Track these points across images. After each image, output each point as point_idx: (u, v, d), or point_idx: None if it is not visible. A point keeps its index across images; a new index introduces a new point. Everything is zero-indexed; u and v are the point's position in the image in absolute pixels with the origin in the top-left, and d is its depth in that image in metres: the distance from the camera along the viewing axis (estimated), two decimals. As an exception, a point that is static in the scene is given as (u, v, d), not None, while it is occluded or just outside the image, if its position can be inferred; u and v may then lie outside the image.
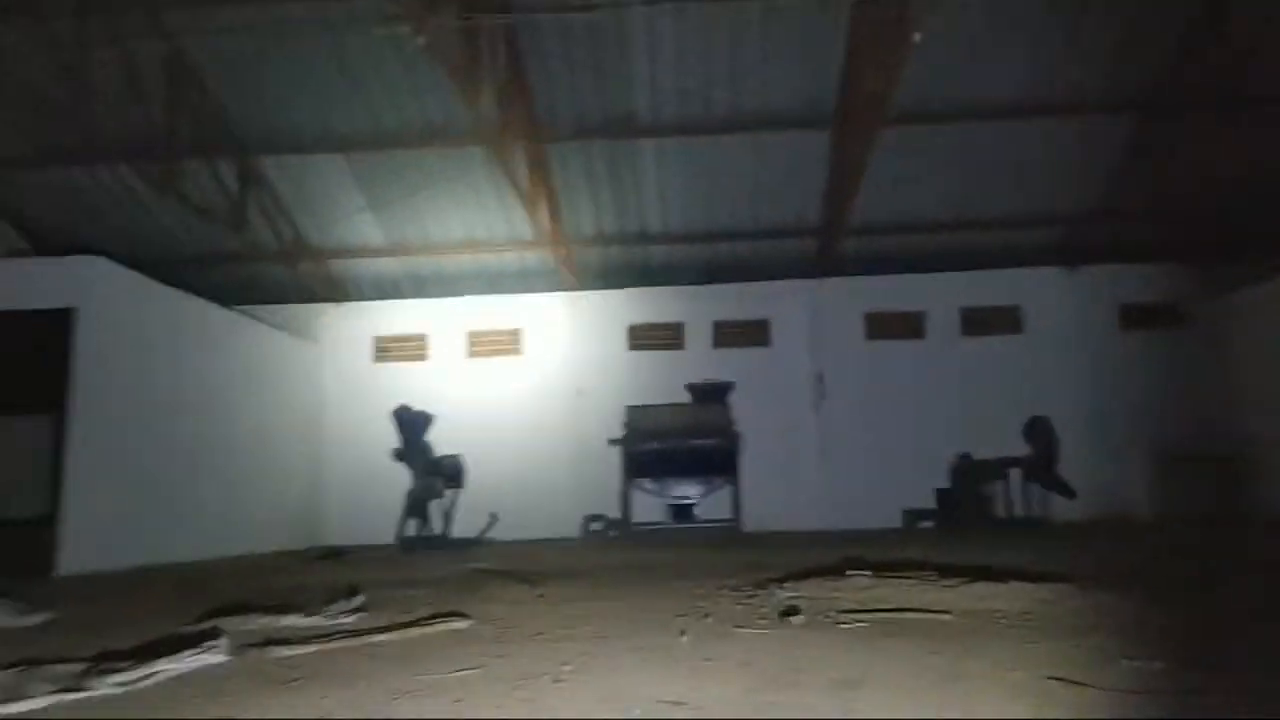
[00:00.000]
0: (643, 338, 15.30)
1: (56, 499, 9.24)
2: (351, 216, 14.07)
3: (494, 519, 12.91)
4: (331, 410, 15.22)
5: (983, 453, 12.99)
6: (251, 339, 13.23)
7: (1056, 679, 2.70)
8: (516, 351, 15.43)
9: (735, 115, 12.26)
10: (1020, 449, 12.42)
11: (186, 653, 3.23)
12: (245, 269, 14.95)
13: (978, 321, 14.89)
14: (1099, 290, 14.67)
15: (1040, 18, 10.90)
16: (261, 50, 11.24)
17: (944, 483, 13.55)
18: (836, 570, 5.09)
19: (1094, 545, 8.89)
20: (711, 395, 13.61)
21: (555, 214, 13.71)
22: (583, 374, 15.11)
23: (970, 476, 13.06)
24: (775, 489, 13.79)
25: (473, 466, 13.20)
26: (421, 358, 15.50)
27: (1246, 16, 10.64)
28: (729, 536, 11.82)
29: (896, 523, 13.53)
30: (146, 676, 2.99)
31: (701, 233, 14.56)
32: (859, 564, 5.19)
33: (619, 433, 13.07)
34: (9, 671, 3.03)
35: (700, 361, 14.85)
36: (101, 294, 9.99)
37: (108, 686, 2.86)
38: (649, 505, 12.98)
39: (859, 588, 4.53)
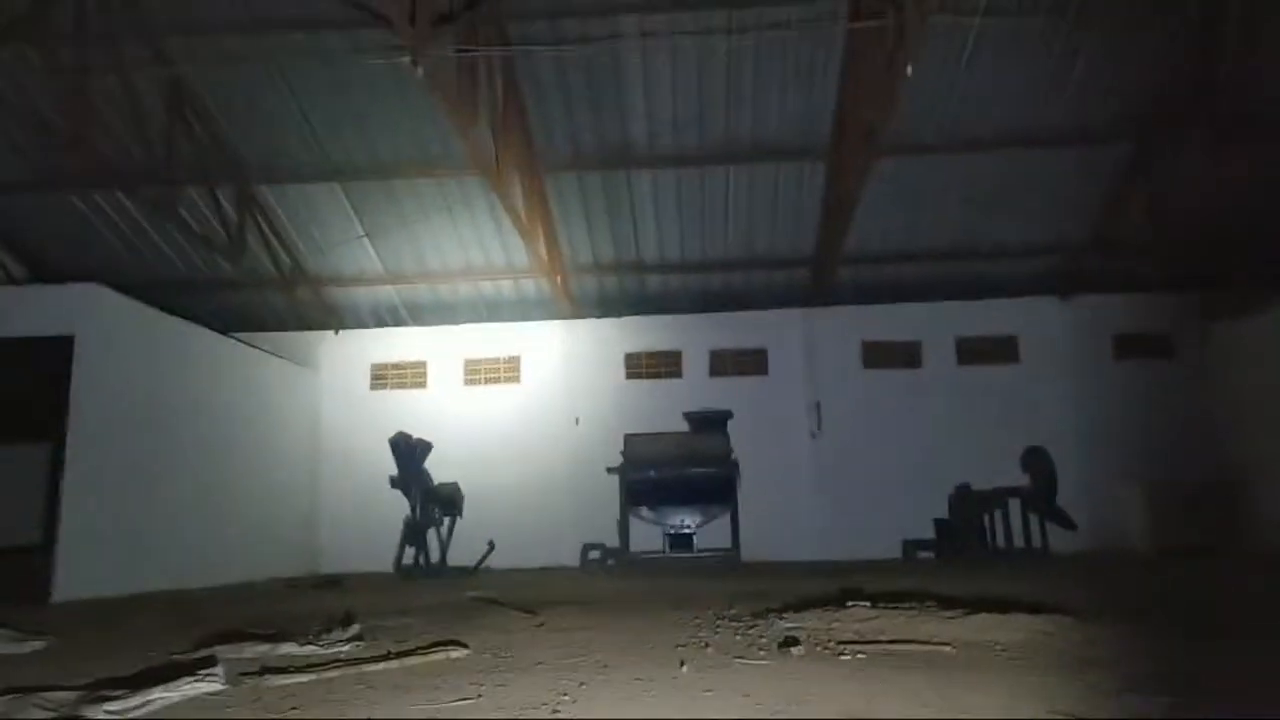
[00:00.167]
0: (640, 366, 15.32)
1: (52, 526, 9.19)
2: (349, 244, 14.13)
3: (491, 547, 12.84)
4: (329, 438, 15.18)
5: (981, 483, 12.97)
6: (249, 366, 13.23)
7: (1057, 714, 2.69)
8: (514, 379, 15.43)
9: (730, 146, 12.37)
10: (1018, 479, 12.40)
11: (182, 681, 3.22)
12: (243, 296, 14.98)
13: (974, 351, 14.92)
14: (1093, 320, 14.73)
15: (1034, 49, 11.04)
16: (261, 79, 11.35)
17: (943, 513, 13.51)
18: (836, 601, 5.07)
19: (1093, 577, 8.86)
20: (709, 424, 13.59)
21: (552, 243, 13.78)
22: (580, 402, 15.10)
23: (969, 507, 13.01)
24: (773, 518, 13.74)
25: (470, 494, 13.15)
26: (419, 385, 15.50)
27: (1241, 49, 10.78)
28: (727, 566, 11.76)
29: (895, 553, 13.47)
30: (142, 705, 2.97)
31: (697, 262, 14.63)
32: (858, 595, 5.18)
33: (617, 461, 13.04)
34: (3, 699, 3.00)
35: (697, 390, 14.85)
36: (99, 322, 10.00)
37: (103, 714, 2.84)
38: (647, 534, 12.91)
39: (858, 619, 4.52)
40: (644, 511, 12.83)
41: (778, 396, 14.87)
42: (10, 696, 3.07)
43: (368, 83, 11.26)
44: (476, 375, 15.45)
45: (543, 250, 13.34)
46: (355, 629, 4.65)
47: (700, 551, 12.56)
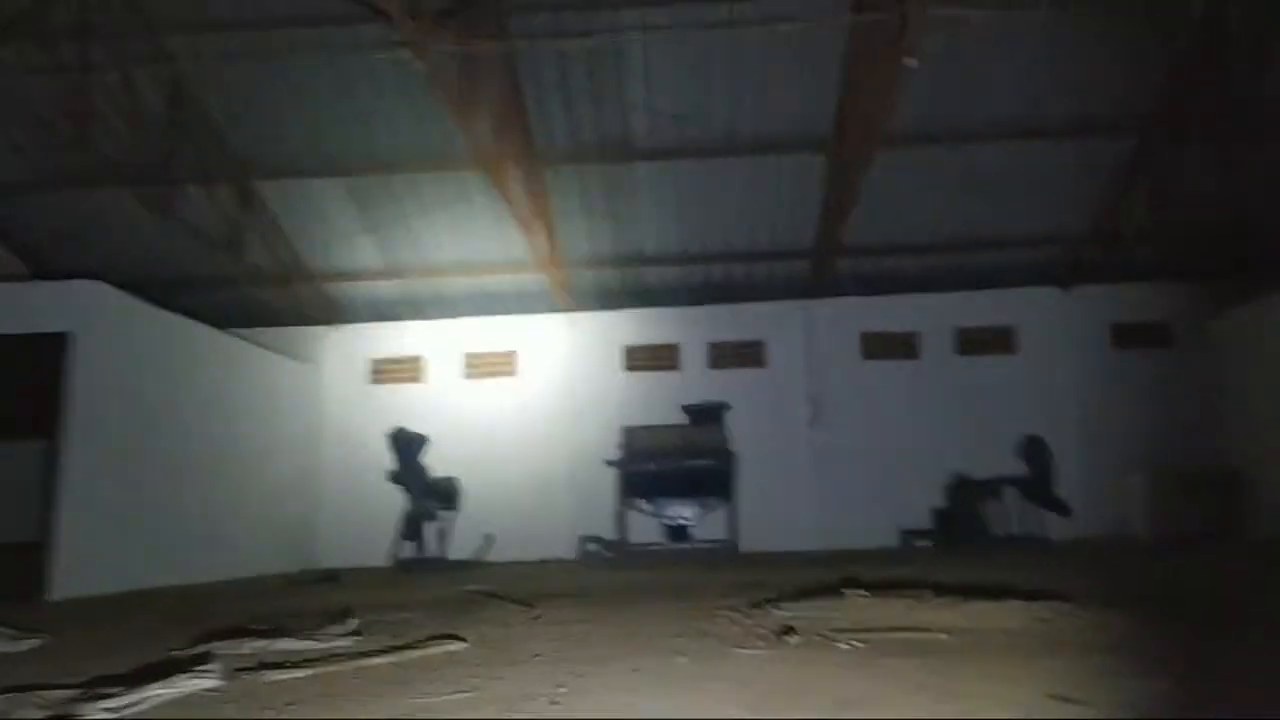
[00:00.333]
0: (638, 359, 15.31)
1: (49, 523, 9.19)
2: (349, 240, 14.11)
3: (490, 540, 12.86)
4: (328, 432, 15.18)
5: (979, 472, 12.99)
6: (248, 362, 13.22)
7: (1055, 698, 2.70)
8: (512, 373, 15.43)
9: (731, 138, 12.34)
10: (1016, 468, 12.42)
11: (180, 677, 3.21)
12: (243, 292, 14.95)
13: (973, 342, 14.92)
14: (1092, 310, 14.73)
15: (1036, 41, 11.00)
16: (261, 75, 11.32)
17: (941, 502, 13.53)
18: (834, 590, 5.08)
19: (1090, 564, 8.87)
20: (707, 416, 13.60)
21: (551, 236, 13.76)
22: (579, 395, 15.10)
23: (967, 496, 13.04)
24: (771, 509, 13.75)
25: (469, 488, 13.18)
26: (418, 380, 15.49)
27: (1241, 39, 10.76)
28: (725, 557, 11.77)
29: (893, 542, 13.49)
30: (139, 701, 2.97)
31: (697, 254, 14.62)
32: (856, 584, 5.18)
33: (615, 454, 13.05)
34: None
35: (696, 382, 14.85)
36: (98, 318, 9.98)
37: (99, 712, 2.84)
38: (645, 526, 12.93)
39: (856, 607, 4.52)
40: (642, 504, 12.85)
41: (776, 388, 14.87)
42: (6, 695, 3.07)
43: (368, 78, 11.24)
44: (475, 369, 15.45)
45: (542, 244, 13.32)
46: (353, 623, 4.66)
47: (698, 543, 12.58)
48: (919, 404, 14.54)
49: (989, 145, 12.43)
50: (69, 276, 10.24)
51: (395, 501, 12.42)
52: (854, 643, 3.72)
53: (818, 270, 14.67)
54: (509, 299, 15.48)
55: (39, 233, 13.75)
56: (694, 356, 15.18)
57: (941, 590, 4.77)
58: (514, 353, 15.45)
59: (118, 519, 9.87)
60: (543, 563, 12.92)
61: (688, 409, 13.90)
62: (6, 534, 9.27)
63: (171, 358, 11.23)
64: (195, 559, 11.03)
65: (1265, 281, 13.13)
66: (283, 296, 14.93)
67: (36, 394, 9.53)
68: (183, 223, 12.46)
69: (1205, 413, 13.87)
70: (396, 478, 12.37)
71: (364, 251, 14.41)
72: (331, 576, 10.94)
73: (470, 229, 14.00)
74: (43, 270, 13.91)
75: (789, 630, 4.05)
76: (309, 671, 3.55)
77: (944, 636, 3.86)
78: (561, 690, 3.07)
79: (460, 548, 12.64)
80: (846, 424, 14.59)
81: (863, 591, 4.74)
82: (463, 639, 4.21)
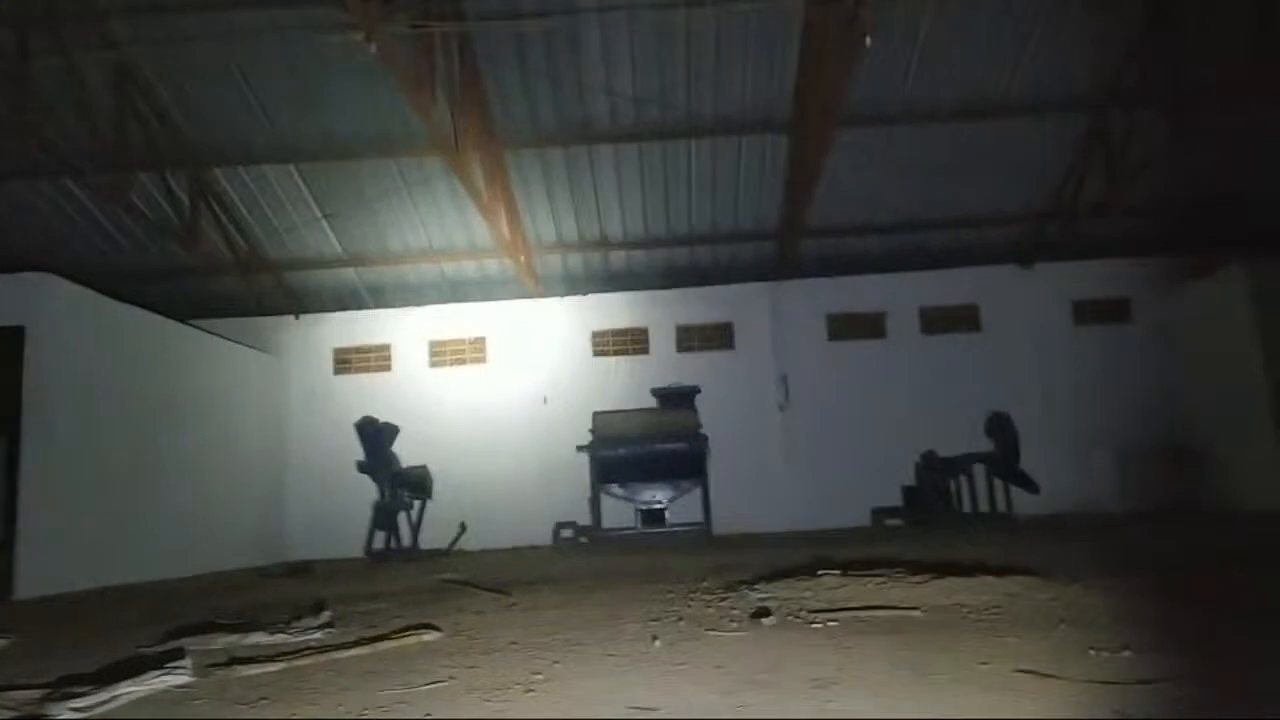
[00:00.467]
0: (607, 343, 15.29)
1: (11, 521, 9.00)
2: (308, 227, 13.90)
3: (463, 529, 12.80)
4: (293, 424, 15.01)
5: (947, 450, 13.14)
6: (209, 354, 13.00)
7: (1025, 671, 2.74)
8: (480, 360, 15.34)
9: (692, 120, 12.30)
10: (984, 445, 12.59)
11: (150, 674, 3.16)
12: (200, 283, 14.70)
13: (937, 320, 15.08)
14: (1053, 287, 14.95)
15: (992, 20, 11.08)
16: (210, 60, 11.06)
17: (910, 480, 13.69)
18: (806, 570, 5.12)
19: (1057, 538, 9.03)
20: (677, 399, 13.62)
21: (515, 221, 13.66)
22: (548, 381, 15.06)
23: (935, 473, 13.19)
24: (744, 491, 13.84)
25: (440, 477, 13.09)
26: (384, 369, 15.35)
27: (1194, 17, 10.91)
28: (699, 540, 11.83)
29: (864, 521, 13.64)
30: (109, 700, 2.92)
31: (662, 237, 14.60)
32: (828, 563, 5.22)
33: (586, 439, 13.03)
34: (-38, 702, 2.94)
35: (665, 366, 14.87)
36: (52, 312, 9.76)
37: (69, 711, 2.79)
38: (619, 510, 12.95)
39: (829, 587, 4.56)
40: (615, 488, 12.86)
41: (745, 370, 14.94)
42: (-31, 697, 3.00)
43: (321, 62, 11.01)
44: (442, 357, 15.34)
45: (505, 229, 13.21)
46: (326, 616, 4.61)
47: (672, 526, 12.62)
48: (886, 383, 14.68)
49: (948, 124, 12.52)
50: (20, 269, 9.98)
51: (366, 492, 12.31)
52: (828, 622, 3.75)
53: (783, 252, 14.72)
54: (474, 285, 15.36)
55: (-12, 225, 13.37)
56: (663, 340, 15.19)
57: (913, 568, 4.83)
58: (482, 339, 15.36)
59: (82, 515, 9.69)
60: (517, 550, 12.89)
61: (658, 392, 13.91)
62: (-34, 534, 9.06)
63: (130, 351, 11.01)
64: (163, 554, 10.87)
65: (1222, 256, 13.40)
66: (242, 286, 14.68)
67: (-9, 391, 9.29)
68: (135, 212, 12.17)
69: (1167, 386, 14.15)
70: (366, 468, 12.25)
71: (324, 239, 14.21)
72: (303, 568, 10.83)
73: (432, 215, 13.85)
74: (-8, 264, 13.55)
75: (763, 612, 4.07)
76: (281, 665, 3.52)
77: (916, 613, 3.91)
78: (538, 678, 3.07)
79: (433, 537, 12.56)
80: (815, 405, 14.70)
81: (835, 571, 4.78)
82: (437, 628, 4.19)
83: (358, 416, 12.54)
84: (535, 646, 3.70)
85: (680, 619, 4.20)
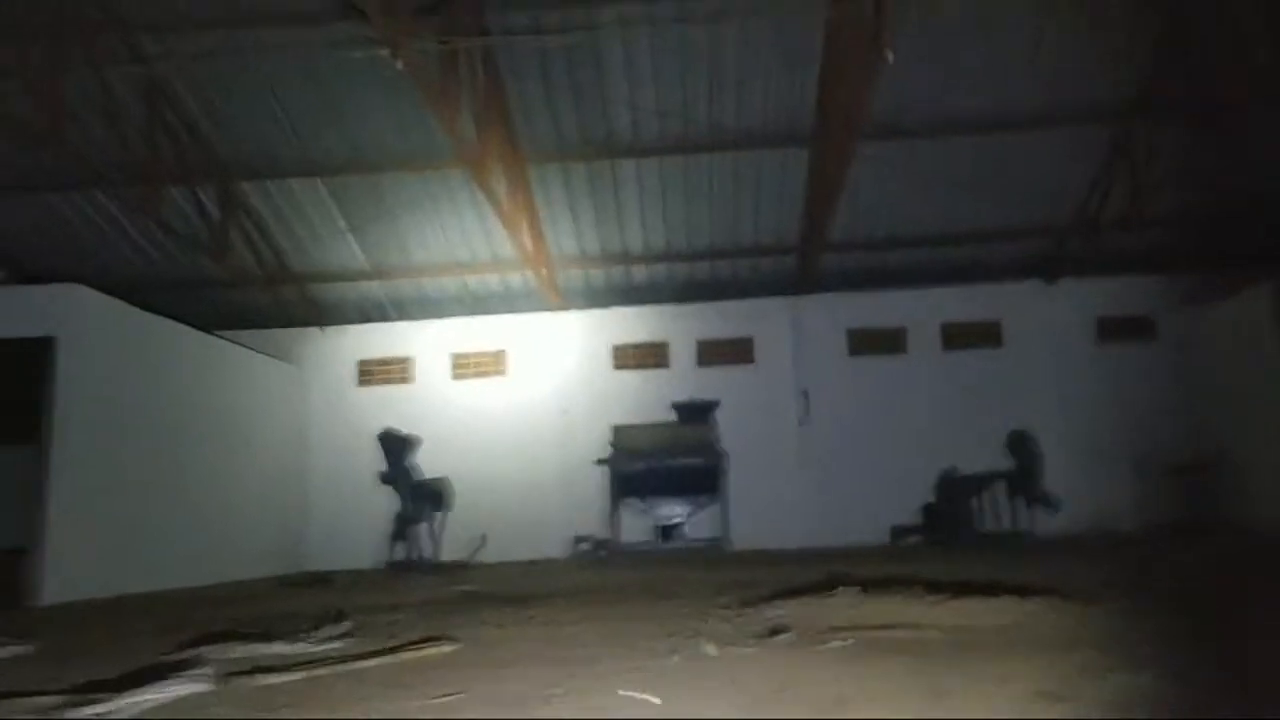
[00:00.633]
0: (627, 357, 15.32)
1: (38, 528, 9.13)
2: (333, 240, 14.06)
3: (482, 541, 12.85)
4: (315, 435, 15.13)
5: (968, 467, 13.04)
6: (235, 364, 13.16)
7: (1044, 693, 2.71)
8: (501, 373, 15.41)
9: (714, 133, 12.35)
10: (1004, 462, 12.48)
11: (170, 681, 3.20)
12: (227, 295, 14.89)
13: (959, 336, 15.00)
14: (1076, 303, 14.83)
15: (1015, 33, 11.06)
16: (239, 75, 11.25)
17: (929, 498, 13.59)
18: (824, 587, 5.09)
19: (1079, 558, 8.93)
20: (696, 414, 13.62)
21: (537, 234, 13.74)
22: (568, 394, 15.10)
23: (955, 491, 13.09)
24: (761, 507, 13.79)
25: (459, 489, 13.15)
26: (406, 380, 15.46)
27: (1217, 26, 10.83)
28: (716, 555, 11.80)
29: (883, 539, 13.55)
30: (129, 706, 2.96)
31: (683, 251, 14.63)
32: (846, 581, 5.20)
33: (605, 452, 13.05)
34: (-11, 706, 2.98)
35: (685, 380, 14.87)
36: (81, 322, 9.92)
37: (89, 717, 2.83)
38: (636, 525, 12.95)
39: (846, 605, 4.54)
40: (633, 502, 12.87)
41: (765, 385, 14.91)
42: (-4, 702, 3.05)
43: (347, 77, 11.17)
44: (464, 369, 15.43)
45: (528, 242, 13.30)
46: (346, 625, 4.65)
47: (690, 541, 12.60)
48: (907, 399, 14.60)
49: (969, 138, 12.48)
50: (51, 280, 10.16)
51: (386, 503, 12.39)
52: (845, 641, 3.73)
53: (803, 266, 14.71)
54: (496, 298, 15.46)
55: (18, 237, 13.63)
56: (683, 354, 15.20)
57: (932, 587, 4.80)
58: (503, 352, 15.44)
59: (106, 523, 9.82)
60: (534, 563, 12.91)
61: (677, 406, 13.93)
62: (-4, 540, 9.20)
63: (157, 361, 11.16)
64: (185, 563, 10.98)
65: (1246, 274, 13.25)
66: (268, 298, 14.86)
67: (22, 399, 9.45)
68: (164, 225, 12.36)
69: (1189, 405, 13.98)
70: (386, 479, 12.33)
71: (348, 252, 14.36)
72: (323, 579, 10.90)
73: (455, 228, 13.97)
74: (22, 275, 13.78)
75: (780, 629, 4.06)
76: (301, 674, 3.54)
77: (935, 633, 3.88)
78: (555, 691, 3.07)
79: (451, 549, 12.61)
80: (835, 420, 14.64)
81: (853, 589, 4.76)
82: (455, 640, 4.21)
83: (380, 428, 12.64)
84: (552, 660, 3.71)
85: (697, 634, 4.20)
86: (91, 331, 10.03)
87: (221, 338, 13.18)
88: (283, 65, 11.12)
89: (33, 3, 9.69)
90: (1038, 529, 11.96)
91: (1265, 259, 13.58)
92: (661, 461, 12.58)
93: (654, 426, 13.48)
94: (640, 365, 15.26)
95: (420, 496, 12.47)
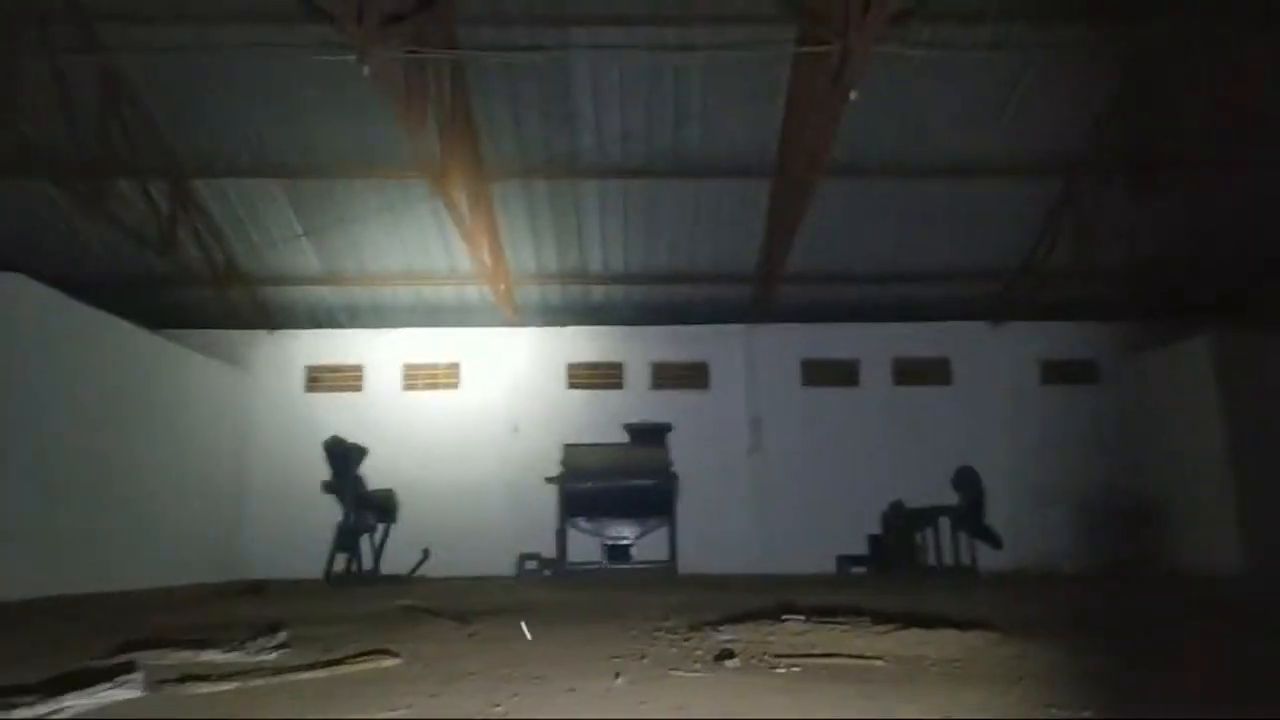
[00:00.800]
0: (581, 376, 15.29)
1: (-42, 526, 8.77)
2: (287, 243, 13.83)
3: (426, 555, 12.65)
4: (260, 440, 14.80)
5: (914, 500, 13.22)
6: (177, 365, 12.84)
7: (986, 723, 2.74)
8: (453, 385, 15.26)
9: (677, 160, 12.45)
10: (951, 497, 12.67)
11: (98, 687, 3.09)
12: (175, 293, 14.55)
13: (909, 372, 15.24)
14: (1021, 346, 15.18)
15: (973, 83, 11.36)
16: (198, 70, 11.05)
17: (876, 529, 13.73)
18: (771, 614, 5.10)
19: (1019, 594, 9.07)
20: (649, 436, 13.62)
21: (496, 249, 13.68)
22: (520, 411, 15.00)
23: (901, 524, 13.25)
24: (711, 531, 13.80)
25: (406, 501, 12.96)
26: (355, 389, 15.22)
27: (1165, 88, 11.26)
28: (664, 578, 11.77)
29: (829, 568, 13.64)
30: (55, 712, 2.84)
31: (641, 273, 14.68)
32: (793, 609, 5.22)
33: (555, 471, 12.97)
34: (-99, 708, 2.84)
35: (638, 402, 14.88)
36: (18, 312, 9.61)
37: (11, 724, 2.71)
38: (585, 544, 12.86)
39: (793, 632, 4.55)
40: (582, 522, 12.80)
41: (718, 411, 14.97)
42: (-91, 704, 2.91)
43: (311, 80, 11.04)
44: (415, 380, 15.25)
45: (486, 257, 13.23)
46: (282, 636, 4.53)
47: (638, 563, 12.55)
48: (857, 431, 14.78)
49: (926, 180, 12.76)
50: (-9, 269, 9.83)
51: (329, 513, 12.14)
52: (791, 668, 3.74)
53: (760, 295, 14.85)
54: (451, 311, 15.33)
55: (-40, 222, 13.18)
56: (637, 376, 15.21)
57: (877, 618, 4.83)
58: (456, 365, 15.30)
59: (32, 521, 9.46)
60: (480, 579, 12.74)
61: (629, 428, 13.91)
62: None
63: (96, 357, 10.85)
64: (116, 565, 10.63)
65: (1185, 322, 13.71)
66: (216, 298, 14.56)
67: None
68: (114, 219, 12.06)
69: (1129, 448, 14.36)
70: (331, 488, 12.10)
71: (302, 256, 14.15)
72: (257, 587, 10.63)
73: (413, 238, 13.85)
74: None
75: (727, 654, 4.05)
76: (235, 685, 3.44)
77: (879, 663, 3.91)
78: (497, 709, 3.03)
79: (395, 562, 12.40)
80: (786, 449, 14.75)
81: (800, 616, 4.78)
82: (396, 655, 4.13)
83: (326, 435, 12.42)
84: (495, 678, 3.65)
85: (644, 657, 4.17)
86: (30, 323, 9.72)
87: (168, 337, 12.86)
88: (246, 63, 10.95)
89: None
90: (980, 564, 12.14)
91: (1204, 310, 14.07)
92: (612, 482, 12.54)
93: (606, 447, 13.44)
94: (594, 385, 15.23)
95: (364, 507, 12.26)
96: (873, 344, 15.20)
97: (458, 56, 10.62)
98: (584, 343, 15.34)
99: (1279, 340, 12.83)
